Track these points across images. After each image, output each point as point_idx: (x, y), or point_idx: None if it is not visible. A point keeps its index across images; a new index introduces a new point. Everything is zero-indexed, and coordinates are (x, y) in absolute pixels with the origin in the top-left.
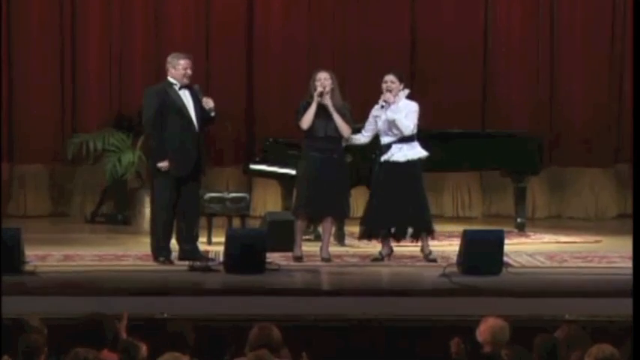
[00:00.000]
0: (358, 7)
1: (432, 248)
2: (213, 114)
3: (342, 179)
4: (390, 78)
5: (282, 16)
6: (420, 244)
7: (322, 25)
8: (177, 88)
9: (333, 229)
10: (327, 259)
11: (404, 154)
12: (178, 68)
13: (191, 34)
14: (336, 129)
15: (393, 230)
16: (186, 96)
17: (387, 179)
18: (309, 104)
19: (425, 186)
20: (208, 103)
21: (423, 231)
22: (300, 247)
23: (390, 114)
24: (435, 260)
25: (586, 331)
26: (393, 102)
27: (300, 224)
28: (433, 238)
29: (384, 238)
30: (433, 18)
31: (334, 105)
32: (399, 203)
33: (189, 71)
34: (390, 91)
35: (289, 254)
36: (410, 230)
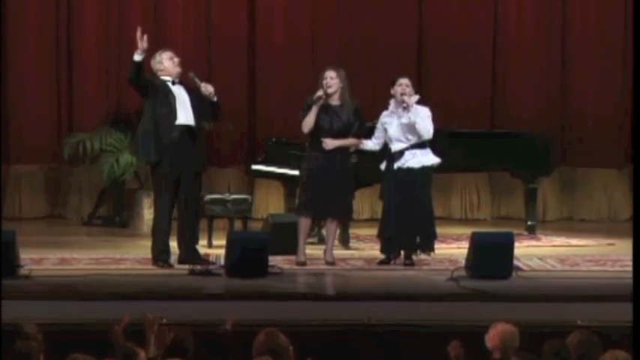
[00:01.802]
0: (364, 2)
1: (435, 251)
2: (215, 99)
3: (345, 180)
4: (405, 81)
5: (285, 11)
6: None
7: (327, 20)
8: (170, 84)
9: (338, 232)
10: (331, 263)
11: (418, 160)
12: (165, 61)
13: (191, 30)
14: (340, 130)
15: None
16: (180, 91)
17: (400, 189)
18: (312, 104)
19: (431, 195)
20: (207, 87)
21: (426, 251)
22: (304, 250)
23: (411, 117)
24: (412, 264)
25: (599, 336)
26: (412, 105)
27: (303, 223)
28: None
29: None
30: (441, 13)
31: (342, 103)
32: (410, 221)
33: (176, 59)
34: (404, 94)
35: (293, 257)
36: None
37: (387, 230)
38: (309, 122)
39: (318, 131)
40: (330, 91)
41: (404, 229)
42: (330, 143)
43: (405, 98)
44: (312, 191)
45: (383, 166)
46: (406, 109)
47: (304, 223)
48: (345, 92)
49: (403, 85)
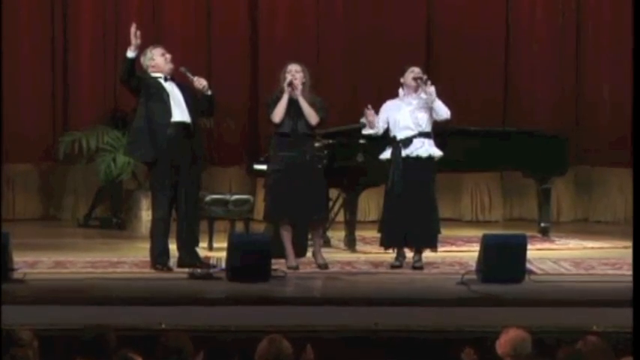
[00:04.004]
0: None
1: (441, 254)
2: (209, 92)
3: (315, 183)
4: (417, 69)
5: (288, 5)
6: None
7: (331, 15)
8: (162, 81)
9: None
10: (323, 266)
11: (426, 149)
12: (156, 58)
13: (191, 24)
14: (306, 125)
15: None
16: (172, 88)
17: (407, 178)
18: (278, 98)
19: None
20: (200, 81)
21: (429, 248)
22: (293, 255)
23: (432, 92)
24: (421, 268)
25: (616, 343)
26: (430, 84)
27: (285, 232)
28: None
29: (400, 246)
30: (451, 6)
31: (304, 98)
32: (415, 213)
33: (167, 55)
34: (419, 78)
35: (296, 260)
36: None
37: (389, 220)
38: (280, 111)
39: (282, 127)
40: (297, 83)
41: (407, 220)
42: (296, 84)
43: (420, 74)
44: (282, 195)
45: (387, 155)
46: (425, 83)
47: (285, 230)
48: (306, 89)
49: (416, 71)
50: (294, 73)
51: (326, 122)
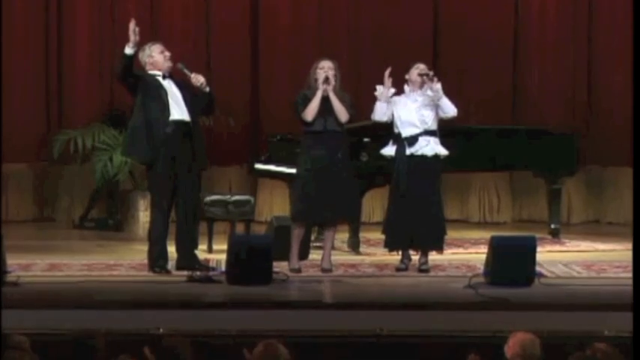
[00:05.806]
0: None
1: (448, 257)
2: (208, 89)
3: (347, 179)
4: (423, 65)
5: (290, 0)
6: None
7: (334, 9)
8: (160, 78)
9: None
10: (328, 270)
11: (432, 147)
12: (155, 55)
13: (190, 18)
14: (336, 122)
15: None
16: (170, 86)
17: (410, 179)
18: (306, 96)
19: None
20: (198, 78)
21: (435, 250)
22: (297, 257)
23: (439, 89)
24: (427, 270)
25: (627, 347)
26: (437, 81)
27: (297, 232)
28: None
29: (405, 248)
30: (458, 2)
31: (335, 95)
32: (420, 213)
33: (167, 53)
34: (425, 74)
35: (299, 263)
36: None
37: (393, 221)
38: (313, 109)
39: (312, 126)
40: (332, 81)
41: (411, 221)
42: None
43: (426, 71)
44: (314, 196)
45: (390, 152)
46: (432, 80)
47: (299, 230)
48: (337, 85)
49: (421, 67)
50: (328, 69)
51: (354, 120)
